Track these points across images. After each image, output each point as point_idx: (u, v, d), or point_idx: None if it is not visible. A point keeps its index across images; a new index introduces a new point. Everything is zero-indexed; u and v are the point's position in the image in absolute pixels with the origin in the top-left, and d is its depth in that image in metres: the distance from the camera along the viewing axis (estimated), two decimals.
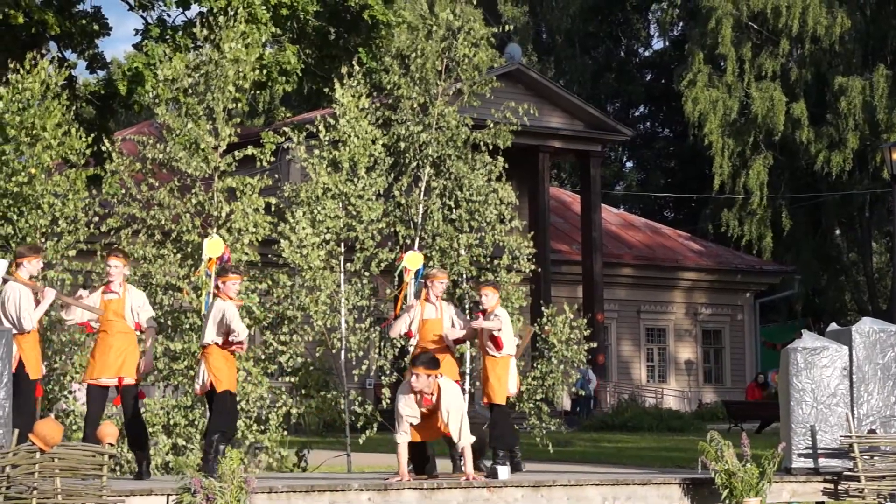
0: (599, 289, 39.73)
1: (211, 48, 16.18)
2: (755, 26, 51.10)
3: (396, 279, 16.31)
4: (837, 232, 55.65)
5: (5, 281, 12.33)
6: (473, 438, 12.67)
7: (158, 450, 15.27)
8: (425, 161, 17.56)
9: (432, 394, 12.35)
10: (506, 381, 13.68)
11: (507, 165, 17.86)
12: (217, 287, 12.90)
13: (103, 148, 16.57)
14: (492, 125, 18.10)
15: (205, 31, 16.48)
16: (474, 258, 17.30)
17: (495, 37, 18.62)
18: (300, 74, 25.37)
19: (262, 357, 16.16)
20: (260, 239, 16.13)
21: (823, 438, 13.18)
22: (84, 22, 25.62)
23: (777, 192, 51.44)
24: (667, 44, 65.37)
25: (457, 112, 17.92)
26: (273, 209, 16.50)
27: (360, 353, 16.72)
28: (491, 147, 17.90)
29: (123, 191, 16.30)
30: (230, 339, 12.55)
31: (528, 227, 19.07)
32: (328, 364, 17.09)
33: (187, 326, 15.69)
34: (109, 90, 25.28)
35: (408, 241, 17.31)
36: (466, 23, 17.98)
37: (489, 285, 14.03)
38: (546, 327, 16.93)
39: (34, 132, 15.42)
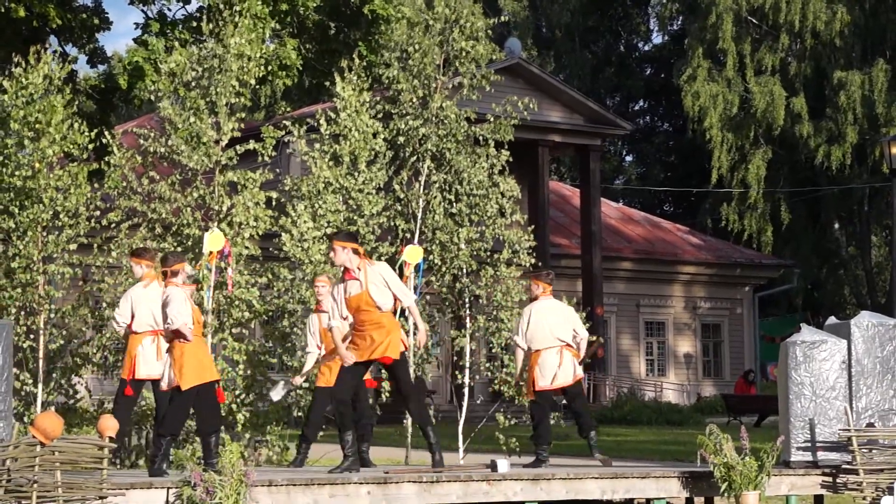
0: (599, 282, 39.76)
1: (215, 43, 16.20)
2: (754, 21, 51.13)
3: (397, 273, 16.34)
4: (836, 226, 55.70)
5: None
6: (415, 297, 12.70)
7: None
8: (425, 155, 17.59)
9: (358, 268, 12.04)
10: (532, 377, 13.98)
11: (510, 159, 17.91)
12: (171, 274, 12.73)
13: (104, 141, 16.61)
14: (492, 119, 18.13)
15: (210, 26, 16.50)
16: (474, 252, 17.33)
17: (495, 31, 18.67)
18: (300, 69, 25.38)
19: (263, 351, 16.19)
20: (261, 233, 16.16)
21: (822, 432, 13.21)
22: (85, 16, 25.63)
23: (776, 187, 51.49)
24: (666, 38, 65.42)
25: (456, 106, 17.94)
26: (274, 203, 16.54)
27: None
28: (492, 142, 17.93)
29: (124, 184, 16.33)
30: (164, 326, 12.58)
31: (528, 221, 19.09)
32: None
33: None
34: (110, 84, 25.30)
35: (408, 235, 17.34)
36: (462, 17, 17.99)
37: (532, 276, 14.25)
38: None
39: (38, 126, 15.46)
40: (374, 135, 17.04)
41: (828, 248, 54.55)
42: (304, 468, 14.01)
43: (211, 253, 14.80)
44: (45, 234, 15.52)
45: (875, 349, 13.49)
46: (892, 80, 48.63)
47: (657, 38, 68.33)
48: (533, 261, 17.67)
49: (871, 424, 13.29)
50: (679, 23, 62.63)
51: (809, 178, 52.28)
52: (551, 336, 14.00)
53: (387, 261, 16.82)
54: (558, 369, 13.99)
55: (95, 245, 16.10)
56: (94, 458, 10.64)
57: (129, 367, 13.00)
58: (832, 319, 14.21)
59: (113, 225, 16.19)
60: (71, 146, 15.76)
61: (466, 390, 17.07)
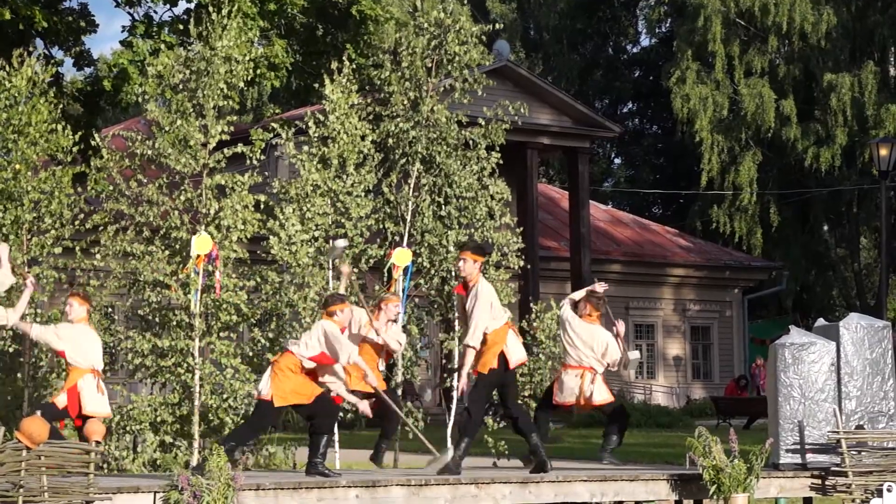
0: (588, 285, 39.65)
1: (202, 45, 16.15)
2: (743, 23, 51.16)
3: (385, 276, 16.33)
4: (826, 228, 55.74)
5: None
6: (477, 345, 12.86)
7: (146, 447, 15.27)
8: (414, 157, 17.54)
9: (472, 284, 12.80)
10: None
11: (500, 161, 17.88)
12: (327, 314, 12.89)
13: (92, 144, 16.56)
14: (483, 122, 18.09)
15: (198, 29, 16.45)
16: None
17: (484, 34, 18.60)
18: (289, 69, 25.33)
19: (251, 354, 16.14)
20: (249, 236, 16.11)
21: (811, 434, 13.20)
22: (71, 19, 25.58)
23: (766, 189, 51.54)
24: (655, 41, 65.46)
25: (446, 109, 17.90)
26: (262, 206, 16.49)
27: None
28: (482, 144, 17.89)
29: (112, 187, 16.28)
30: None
31: (517, 224, 19.05)
32: None
33: (175, 323, 15.67)
34: (96, 87, 25.25)
35: (397, 238, 17.30)
36: (456, 21, 17.96)
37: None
38: (534, 324, 16.95)
39: (20, 128, 15.41)
40: (363, 137, 17.00)
41: (817, 250, 54.58)
42: (293, 472, 13.96)
43: (198, 256, 14.76)
44: (28, 236, 15.47)
45: (864, 351, 13.48)
46: (881, 83, 48.70)
47: (645, 41, 68.44)
48: (521, 263, 17.64)
49: (860, 426, 13.29)
50: (667, 25, 62.65)
51: (798, 181, 52.33)
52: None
53: (375, 263, 16.83)
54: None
55: (78, 249, 16.05)
56: (80, 462, 10.59)
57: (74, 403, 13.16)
58: (821, 321, 14.20)
59: (100, 228, 16.15)
60: (54, 149, 15.72)
61: (455, 393, 17.02)
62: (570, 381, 14.33)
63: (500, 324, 12.96)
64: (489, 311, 12.82)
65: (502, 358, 12.90)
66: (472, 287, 12.94)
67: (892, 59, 52.29)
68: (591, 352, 14.37)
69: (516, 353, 13.03)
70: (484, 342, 12.89)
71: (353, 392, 14.02)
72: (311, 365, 12.60)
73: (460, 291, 13.25)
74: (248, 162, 16.43)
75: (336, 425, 14.12)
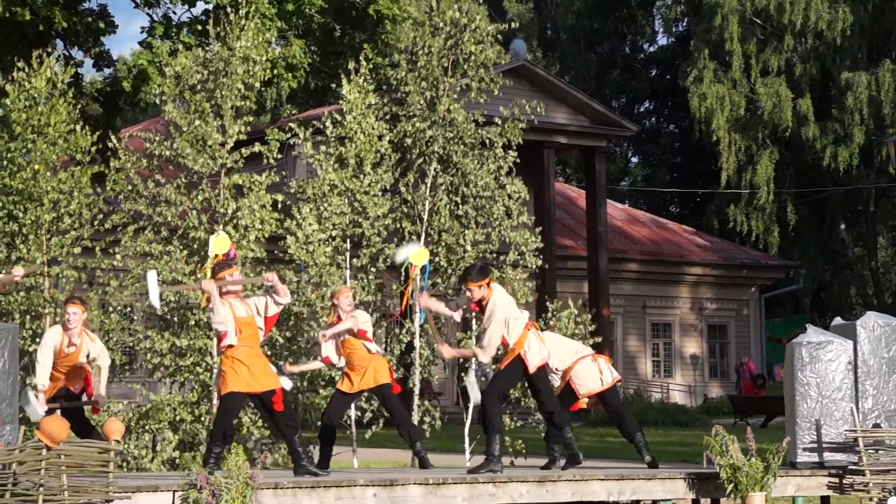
0: (605, 284, 39.70)
1: (220, 46, 16.22)
2: (759, 22, 51.10)
3: (402, 275, 16.34)
4: (843, 226, 55.65)
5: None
6: (488, 360, 13.05)
7: (165, 446, 15.33)
8: (431, 157, 17.58)
9: (486, 302, 12.70)
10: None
11: (518, 160, 17.91)
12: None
13: (109, 145, 16.64)
14: (499, 122, 18.11)
15: (217, 29, 16.51)
16: (480, 254, 17.31)
17: (500, 33, 18.63)
18: (307, 69, 25.39)
19: (269, 353, 16.19)
20: (266, 235, 16.16)
21: (828, 433, 13.19)
22: (90, 19, 25.69)
23: (782, 188, 51.48)
24: (671, 40, 65.42)
25: (463, 108, 17.91)
26: (279, 206, 16.54)
27: None
28: (499, 143, 17.92)
29: (130, 187, 16.35)
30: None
31: (534, 223, 19.08)
32: None
33: (193, 323, 15.73)
34: (115, 88, 25.35)
35: (414, 237, 17.33)
36: (472, 21, 17.99)
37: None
38: (551, 322, 16.96)
39: (40, 128, 15.48)
40: (380, 137, 17.04)
41: (834, 248, 54.51)
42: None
43: (217, 256, 14.79)
44: (48, 236, 15.55)
45: (881, 350, 13.47)
46: None
47: (662, 40, 68.45)
48: (539, 262, 17.65)
49: (877, 425, 13.27)
50: (684, 24, 62.63)
51: (815, 179, 52.27)
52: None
53: (392, 263, 16.86)
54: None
55: (98, 248, 16.12)
56: (100, 461, 10.64)
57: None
58: (838, 320, 14.18)
59: (119, 228, 16.22)
60: (73, 149, 15.80)
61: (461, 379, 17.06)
62: (586, 368, 14.07)
63: (518, 332, 12.85)
64: (503, 327, 12.69)
65: (520, 362, 12.85)
66: (485, 304, 12.75)
67: None
68: (567, 347, 14.16)
69: (535, 358, 12.91)
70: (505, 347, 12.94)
71: (361, 392, 14.05)
72: (258, 338, 12.57)
73: (475, 309, 13.12)
74: (266, 162, 16.49)
75: (352, 423, 14.15)
